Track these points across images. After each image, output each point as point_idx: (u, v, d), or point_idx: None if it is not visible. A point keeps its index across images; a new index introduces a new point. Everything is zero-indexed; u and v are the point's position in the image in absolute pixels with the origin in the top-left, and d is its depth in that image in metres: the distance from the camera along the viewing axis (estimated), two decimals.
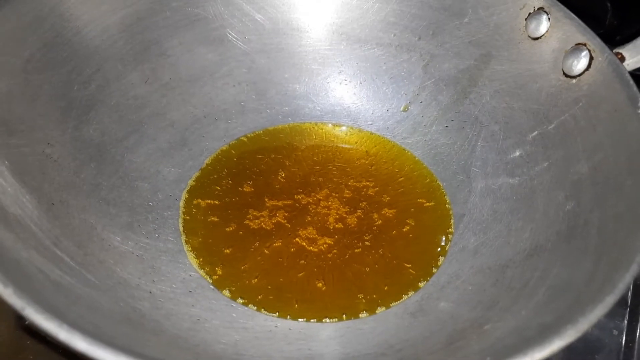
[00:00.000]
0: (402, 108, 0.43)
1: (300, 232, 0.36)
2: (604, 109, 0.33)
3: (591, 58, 0.34)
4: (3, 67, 0.31)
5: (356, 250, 0.35)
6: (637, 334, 0.34)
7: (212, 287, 0.32)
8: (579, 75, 0.35)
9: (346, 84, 0.44)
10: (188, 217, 0.36)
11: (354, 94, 0.44)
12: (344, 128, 0.43)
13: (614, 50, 0.34)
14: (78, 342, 0.19)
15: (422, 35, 0.42)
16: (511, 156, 0.37)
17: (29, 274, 0.23)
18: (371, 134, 0.43)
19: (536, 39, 0.37)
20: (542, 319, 0.24)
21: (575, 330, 0.21)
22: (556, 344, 0.21)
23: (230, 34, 0.43)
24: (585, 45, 0.35)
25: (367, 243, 0.35)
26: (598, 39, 0.35)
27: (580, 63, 0.35)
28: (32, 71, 0.33)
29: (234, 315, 0.30)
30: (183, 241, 0.34)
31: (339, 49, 0.44)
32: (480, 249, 0.34)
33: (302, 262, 0.34)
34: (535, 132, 0.36)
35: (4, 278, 0.20)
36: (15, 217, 0.27)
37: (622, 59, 0.34)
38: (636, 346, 0.34)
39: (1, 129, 0.30)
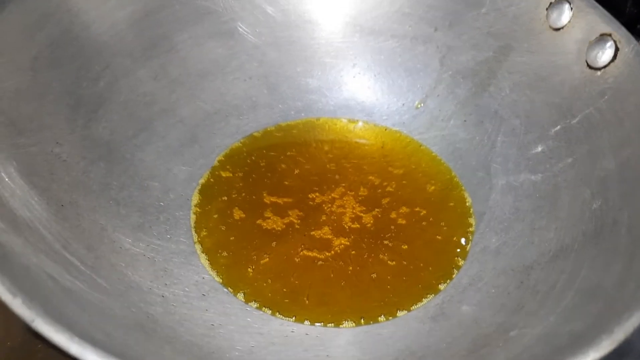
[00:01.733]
0: (415, 105, 0.41)
1: (315, 232, 0.35)
2: (631, 102, 0.31)
3: (617, 49, 0.33)
4: (10, 66, 0.30)
5: (373, 251, 0.34)
6: None
7: (225, 290, 0.31)
8: (604, 67, 0.33)
9: (360, 78, 0.43)
10: (200, 218, 0.35)
11: (369, 87, 0.43)
12: (358, 123, 0.42)
13: None
14: (90, 356, 0.18)
15: (439, 27, 0.41)
16: (533, 152, 0.36)
17: (38, 280, 0.22)
18: (386, 129, 0.42)
19: (558, 29, 0.36)
20: (573, 325, 0.23)
21: (611, 341, 0.20)
22: (591, 356, 0.20)
23: (240, 27, 0.41)
24: (610, 35, 0.33)
25: (384, 243, 0.34)
26: (624, 29, 0.33)
27: (605, 54, 0.33)
28: (40, 69, 0.32)
29: (248, 319, 0.30)
30: (195, 242, 0.34)
31: (353, 42, 0.43)
32: (502, 249, 0.33)
33: (318, 263, 0.33)
34: (558, 127, 0.35)
35: (12, 287, 0.19)
36: (24, 220, 0.26)
37: None
38: None
39: (10, 129, 0.29)
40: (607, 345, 0.20)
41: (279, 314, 0.30)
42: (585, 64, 0.34)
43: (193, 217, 0.35)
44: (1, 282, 0.19)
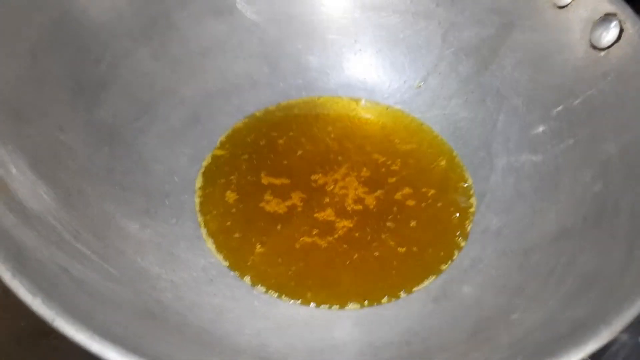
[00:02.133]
0: (415, 85, 0.41)
1: (318, 214, 0.35)
2: (634, 85, 0.31)
3: (621, 29, 0.33)
4: (11, 52, 0.30)
5: (376, 233, 0.34)
6: None
7: (232, 274, 0.32)
8: (608, 47, 0.33)
9: (361, 55, 0.43)
10: (204, 201, 0.35)
11: (370, 64, 0.43)
12: (360, 102, 0.42)
13: None
14: (111, 354, 0.19)
15: (440, 2, 0.41)
16: (534, 132, 0.36)
17: (53, 275, 0.23)
18: (388, 107, 0.42)
19: (562, 7, 0.36)
20: (573, 312, 0.24)
21: (611, 331, 0.21)
22: (590, 346, 0.20)
23: (239, 3, 0.41)
24: (615, 15, 0.33)
25: (387, 224, 0.35)
26: (629, 9, 0.33)
27: (609, 34, 0.33)
28: (40, 53, 0.32)
29: (255, 303, 0.30)
30: (200, 226, 0.34)
31: (354, 17, 0.42)
32: (503, 230, 0.33)
33: (322, 245, 0.34)
34: (560, 107, 0.35)
35: (32, 287, 0.20)
36: (34, 212, 0.26)
37: None
38: None
39: (14, 118, 0.29)
40: (606, 335, 0.21)
41: (285, 297, 0.31)
42: (589, 43, 0.34)
43: (197, 200, 0.35)
44: (20, 283, 0.20)
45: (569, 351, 0.20)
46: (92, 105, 0.34)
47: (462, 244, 0.34)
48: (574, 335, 0.21)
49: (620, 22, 0.33)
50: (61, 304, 0.20)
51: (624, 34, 0.32)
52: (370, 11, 0.42)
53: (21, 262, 0.21)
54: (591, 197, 0.30)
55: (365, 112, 0.42)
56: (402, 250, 0.34)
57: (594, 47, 0.34)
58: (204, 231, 0.34)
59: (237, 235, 0.34)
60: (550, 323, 0.24)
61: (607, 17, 0.33)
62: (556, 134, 0.35)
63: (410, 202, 0.36)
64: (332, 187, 0.37)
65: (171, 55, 0.39)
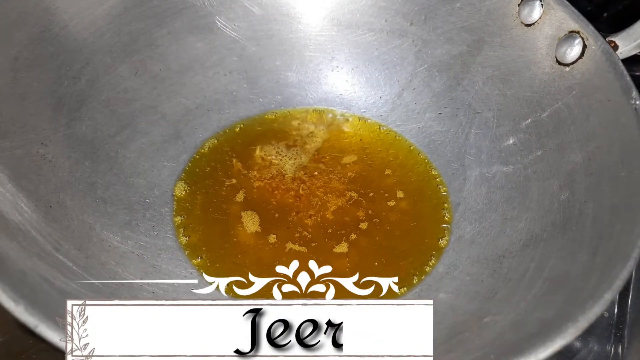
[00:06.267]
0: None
1: (297, 225, 0.36)
2: (597, 98, 0.33)
3: (584, 46, 0.34)
4: None
5: (354, 243, 0.35)
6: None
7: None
8: (572, 63, 0.35)
9: (338, 71, 0.44)
10: (184, 213, 0.36)
11: (347, 80, 0.44)
12: (337, 116, 0.43)
13: (607, 39, 0.34)
14: None
15: (414, 21, 0.42)
16: (505, 144, 0.38)
17: (35, 284, 0.23)
18: (365, 121, 0.43)
19: (529, 25, 0.37)
20: (541, 313, 0.25)
21: (576, 329, 0.22)
22: (558, 343, 0.21)
23: (219, 21, 0.42)
24: (578, 33, 0.35)
25: (365, 234, 0.36)
26: (591, 27, 0.35)
27: (573, 51, 0.35)
28: (21, 69, 0.32)
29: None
30: (180, 238, 0.34)
31: (331, 35, 0.44)
32: (476, 238, 0.34)
33: (302, 255, 0.34)
34: (529, 120, 0.37)
35: (14, 294, 0.20)
36: (16, 224, 0.26)
37: (615, 47, 0.34)
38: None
39: None
40: (573, 332, 0.22)
41: None
42: (555, 59, 0.36)
43: (177, 213, 0.36)
44: (2, 290, 0.20)
45: (537, 349, 0.21)
46: (73, 120, 0.35)
47: (438, 252, 0.35)
48: (542, 334, 0.22)
49: (583, 39, 0.34)
50: (44, 312, 0.20)
51: (587, 50, 0.34)
52: (347, 29, 0.43)
53: (3, 272, 0.21)
54: (558, 205, 0.32)
55: (342, 126, 0.43)
56: (379, 259, 0.34)
57: (560, 63, 0.35)
58: (183, 243, 0.34)
59: (216, 247, 0.34)
60: (520, 324, 0.25)
61: (571, 35, 0.35)
62: (525, 145, 0.36)
63: (387, 212, 0.37)
64: (312, 198, 0.38)
65: (151, 71, 0.40)
